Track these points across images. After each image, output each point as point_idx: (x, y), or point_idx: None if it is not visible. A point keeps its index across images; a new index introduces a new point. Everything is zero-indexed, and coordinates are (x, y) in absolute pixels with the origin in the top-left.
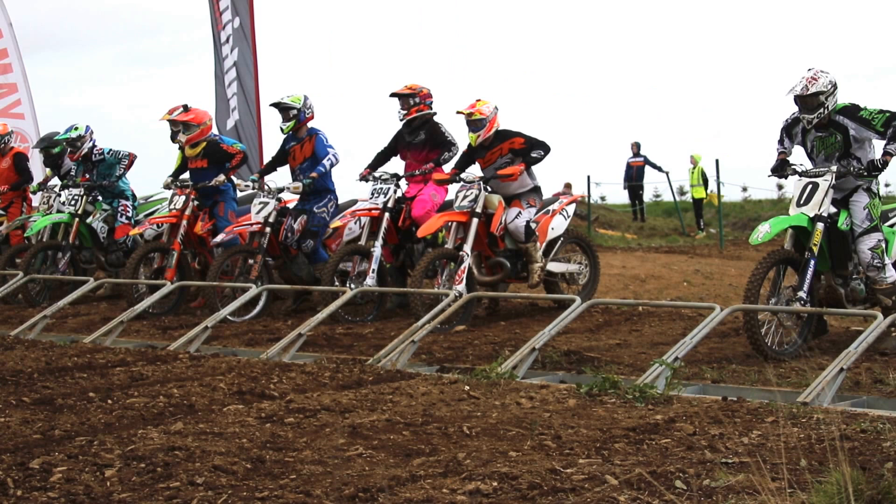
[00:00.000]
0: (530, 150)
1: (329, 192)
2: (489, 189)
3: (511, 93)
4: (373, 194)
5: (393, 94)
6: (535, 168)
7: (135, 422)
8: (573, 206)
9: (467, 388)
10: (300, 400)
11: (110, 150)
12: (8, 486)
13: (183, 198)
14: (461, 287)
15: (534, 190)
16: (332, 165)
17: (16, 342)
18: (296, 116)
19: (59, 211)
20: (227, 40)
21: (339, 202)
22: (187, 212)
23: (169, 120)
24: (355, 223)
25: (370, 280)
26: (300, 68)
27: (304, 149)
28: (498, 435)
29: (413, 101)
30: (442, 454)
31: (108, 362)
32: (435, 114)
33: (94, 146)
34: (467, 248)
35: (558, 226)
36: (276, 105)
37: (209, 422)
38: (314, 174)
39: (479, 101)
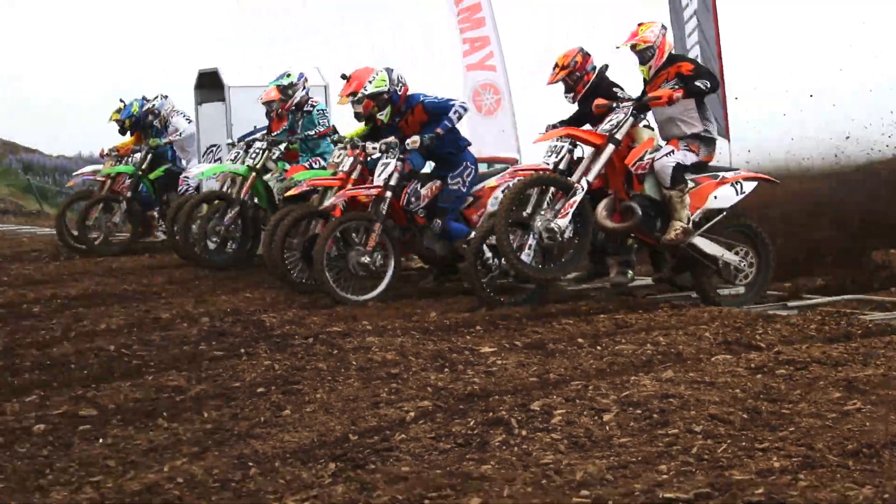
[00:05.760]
0: (696, 78)
1: (465, 160)
2: (643, 118)
3: None
4: (547, 153)
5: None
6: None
7: (625, 368)
8: (754, 184)
9: None
10: (788, 352)
11: (322, 108)
12: (512, 425)
13: (350, 159)
14: (564, 221)
15: (701, 138)
16: (459, 117)
17: None
18: (388, 101)
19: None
20: None
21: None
22: (354, 175)
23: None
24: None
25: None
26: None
27: (411, 121)
28: None
29: (573, 78)
30: None
31: (590, 309)
32: (601, 70)
33: (307, 96)
34: (589, 176)
35: (724, 197)
36: (370, 98)
37: (699, 371)
38: (439, 129)
39: (640, 25)
